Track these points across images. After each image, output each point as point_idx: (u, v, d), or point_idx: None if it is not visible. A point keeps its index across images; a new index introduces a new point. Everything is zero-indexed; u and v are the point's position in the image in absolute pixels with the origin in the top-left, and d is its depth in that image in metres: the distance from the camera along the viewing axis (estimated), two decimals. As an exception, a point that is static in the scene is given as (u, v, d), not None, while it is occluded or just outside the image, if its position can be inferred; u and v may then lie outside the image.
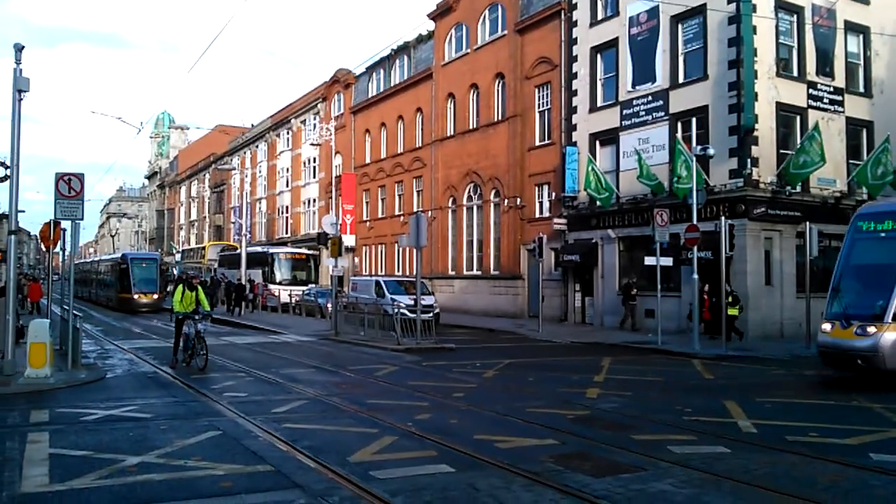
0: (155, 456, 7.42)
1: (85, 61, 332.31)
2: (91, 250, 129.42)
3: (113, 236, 74.65)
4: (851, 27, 24.17)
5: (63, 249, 18.86)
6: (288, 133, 55.91)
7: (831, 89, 23.62)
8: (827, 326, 13.47)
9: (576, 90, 28.24)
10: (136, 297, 37.24)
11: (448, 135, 36.50)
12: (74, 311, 15.10)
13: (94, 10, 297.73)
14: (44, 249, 29.25)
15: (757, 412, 10.17)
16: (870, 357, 12.46)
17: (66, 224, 16.78)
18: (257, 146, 62.58)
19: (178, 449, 7.74)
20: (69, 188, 13.93)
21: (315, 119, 50.80)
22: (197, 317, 14.91)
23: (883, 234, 13.63)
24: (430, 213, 35.79)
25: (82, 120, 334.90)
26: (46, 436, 8.38)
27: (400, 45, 41.06)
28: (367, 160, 44.73)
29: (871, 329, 12.52)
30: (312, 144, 44.27)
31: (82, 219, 14.69)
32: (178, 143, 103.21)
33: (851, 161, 23.78)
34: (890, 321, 12.45)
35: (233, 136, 67.35)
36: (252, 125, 67.13)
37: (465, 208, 35.29)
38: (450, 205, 36.23)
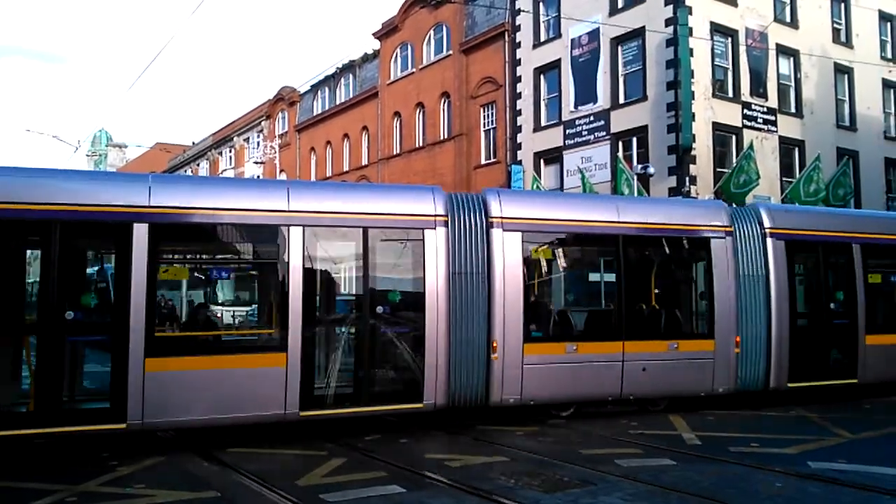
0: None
1: (19, 77, 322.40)
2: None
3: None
4: (783, 50, 25.13)
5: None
6: (230, 151, 55.04)
7: (765, 109, 24.48)
8: None
9: (520, 110, 28.61)
10: None
11: (394, 153, 36.50)
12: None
13: (29, 26, 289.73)
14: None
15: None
16: None
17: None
18: (199, 164, 61.37)
19: None
20: None
21: (259, 137, 50.16)
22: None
23: None
24: (376, 231, 35.55)
25: (17, 138, 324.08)
26: None
27: (345, 63, 40.96)
28: (313, 178, 44.31)
29: None
30: (256, 163, 43.74)
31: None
32: (117, 161, 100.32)
33: (785, 178, 24.60)
34: None
35: (173, 154, 65.91)
36: (193, 143, 65.88)
37: (411, 226, 35.15)
38: (396, 223, 36.03)
